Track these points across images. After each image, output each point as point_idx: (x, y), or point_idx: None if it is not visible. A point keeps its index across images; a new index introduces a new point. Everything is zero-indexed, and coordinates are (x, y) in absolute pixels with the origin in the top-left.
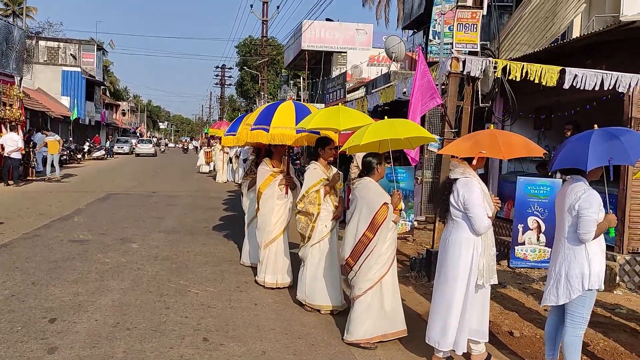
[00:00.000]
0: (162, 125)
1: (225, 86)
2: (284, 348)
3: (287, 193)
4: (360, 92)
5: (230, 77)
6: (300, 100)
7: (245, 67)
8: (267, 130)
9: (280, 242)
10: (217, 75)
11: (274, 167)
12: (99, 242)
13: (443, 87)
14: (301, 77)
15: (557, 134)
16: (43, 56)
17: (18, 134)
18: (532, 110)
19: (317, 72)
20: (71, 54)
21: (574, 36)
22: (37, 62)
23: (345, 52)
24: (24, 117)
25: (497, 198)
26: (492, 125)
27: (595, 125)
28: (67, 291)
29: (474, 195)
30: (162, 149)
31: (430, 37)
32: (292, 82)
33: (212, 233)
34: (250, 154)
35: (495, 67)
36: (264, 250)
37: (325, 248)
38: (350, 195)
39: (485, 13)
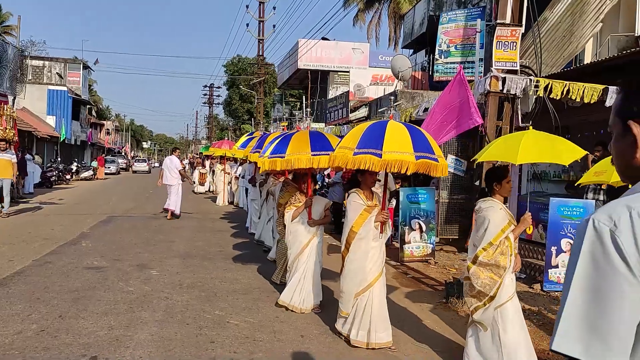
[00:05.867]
0: (145, 145)
1: (214, 105)
2: None
3: (382, 232)
4: (363, 112)
5: (218, 96)
6: (295, 119)
7: (241, 86)
8: (380, 156)
9: (375, 290)
10: (205, 95)
11: (367, 199)
12: (116, 269)
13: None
14: (303, 97)
15: None
16: (28, 75)
17: None
18: (552, 128)
19: (312, 91)
20: (57, 73)
21: (586, 55)
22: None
23: (347, 72)
24: (17, 138)
25: None
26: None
27: None
28: (100, 324)
29: None
30: (153, 166)
31: (437, 56)
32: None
33: (229, 258)
34: (269, 176)
35: (537, 86)
36: (353, 299)
37: (516, 308)
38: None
39: (523, 31)
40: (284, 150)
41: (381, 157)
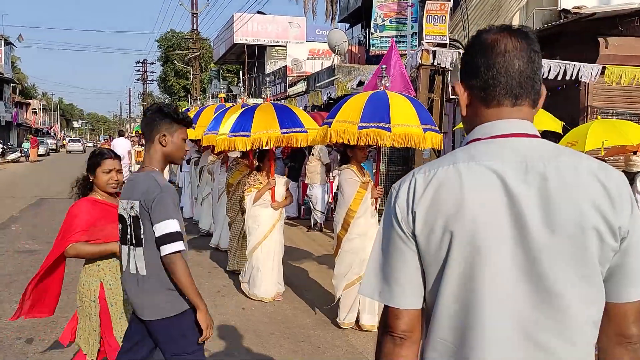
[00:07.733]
0: (76, 124)
1: (148, 82)
2: (291, 353)
3: (377, 208)
4: (301, 86)
5: (152, 72)
6: (233, 95)
7: (175, 62)
8: (389, 130)
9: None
10: (138, 71)
11: (361, 175)
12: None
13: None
14: (240, 72)
15: None
16: None
17: None
18: None
19: (249, 66)
20: None
21: None
22: None
23: (284, 46)
24: None
25: None
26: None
27: None
28: None
29: None
30: (86, 146)
31: (372, 30)
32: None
33: None
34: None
35: None
36: (343, 286)
37: None
38: None
39: (452, 6)
40: (248, 128)
41: (391, 131)
